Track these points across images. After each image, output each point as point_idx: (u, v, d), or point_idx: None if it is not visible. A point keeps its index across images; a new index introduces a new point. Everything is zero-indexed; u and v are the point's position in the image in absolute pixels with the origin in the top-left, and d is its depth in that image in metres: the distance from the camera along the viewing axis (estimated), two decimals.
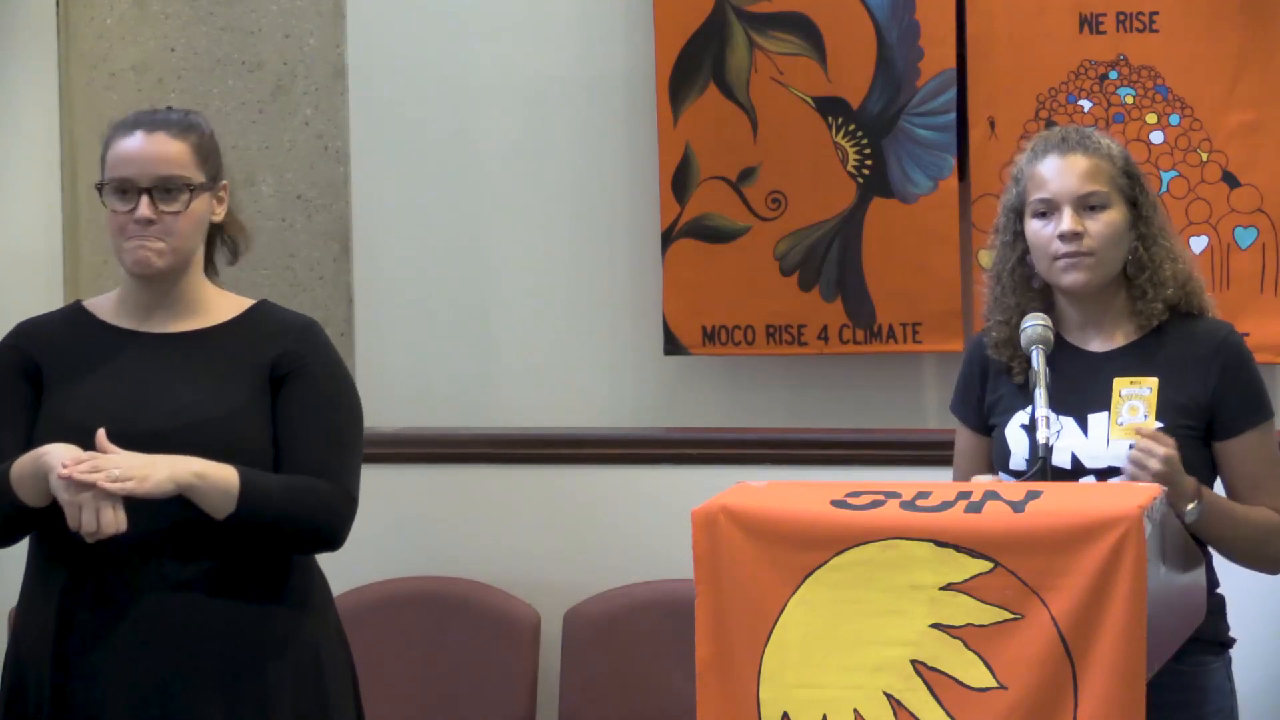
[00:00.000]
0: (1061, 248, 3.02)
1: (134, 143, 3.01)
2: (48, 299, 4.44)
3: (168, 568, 2.94)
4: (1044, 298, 3.11)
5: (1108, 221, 3.03)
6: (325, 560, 3.15)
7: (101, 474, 2.83)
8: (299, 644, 3.02)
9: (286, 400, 3.01)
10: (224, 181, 3.11)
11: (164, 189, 2.99)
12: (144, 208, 2.97)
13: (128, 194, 2.99)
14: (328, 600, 3.15)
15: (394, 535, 4.43)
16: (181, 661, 2.93)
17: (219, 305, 3.09)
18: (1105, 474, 2.97)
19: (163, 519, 2.92)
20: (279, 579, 3.02)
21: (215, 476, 2.90)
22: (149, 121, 3.05)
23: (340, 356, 3.15)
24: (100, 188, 3.04)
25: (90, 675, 2.93)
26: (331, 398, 3.06)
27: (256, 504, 2.92)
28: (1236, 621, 3.11)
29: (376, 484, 4.47)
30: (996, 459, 3.12)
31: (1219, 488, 3.08)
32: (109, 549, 2.92)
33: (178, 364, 3.00)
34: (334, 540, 3.05)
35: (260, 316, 3.10)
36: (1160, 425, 2.99)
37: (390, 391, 4.96)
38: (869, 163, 4.75)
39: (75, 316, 3.10)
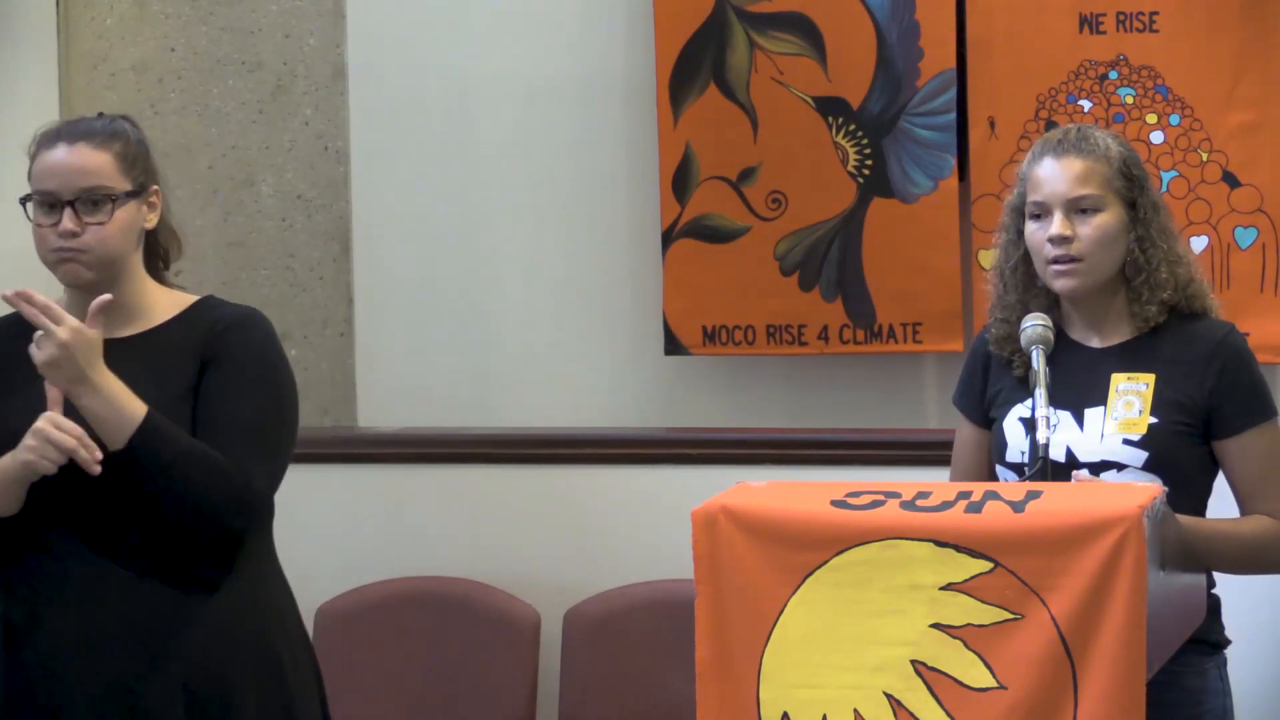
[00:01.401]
0: (1052, 251, 3.04)
1: (56, 155, 3.00)
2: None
3: (126, 570, 2.93)
4: (1047, 296, 3.12)
5: (1098, 225, 3.04)
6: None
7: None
8: (262, 651, 3.01)
9: (203, 386, 2.98)
10: (154, 187, 3.07)
11: (87, 200, 2.97)
12: (67, 220, 2.96)
13: (52, 207, 2.99)
14: (290, 605, 3.13)
15: (394, 535, 4.43)
16: (141, 664, 2.92)
17: (161, 306, 3.07)
18: (1099, 468, 2.99)
19: (120, 521, 2.92)
20: (241, 587, 3.01)
21: (120, 403, 2.86)
22: (70, 132, 3.03)
23: (276, 347, 3.08)
24: (25, 201, 3.03)
25: (50, 678, 2.92)
26: (244, 383, 3.00)
27: (152, 446, 2.86)
28: (1232, 622, 3.12)
29: (376, 484, 4.49)
30: (994, 451, 3.14)
31: (1218, 490, 3.09)
32: (65, 555, 2.91)
33: (118, 370, 2.96)
34: (216, 518, 2.93)
35: (198, 313, 3.07)
36: (1154, 420, 3.00)
37: (390, 391, 4.96)
38: (869, 163, 4.75)
39: (18, 325, 3.08)
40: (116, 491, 2.90)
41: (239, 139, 4.84)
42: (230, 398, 2.98)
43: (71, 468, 2.88)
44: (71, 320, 2.86)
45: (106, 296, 2.92)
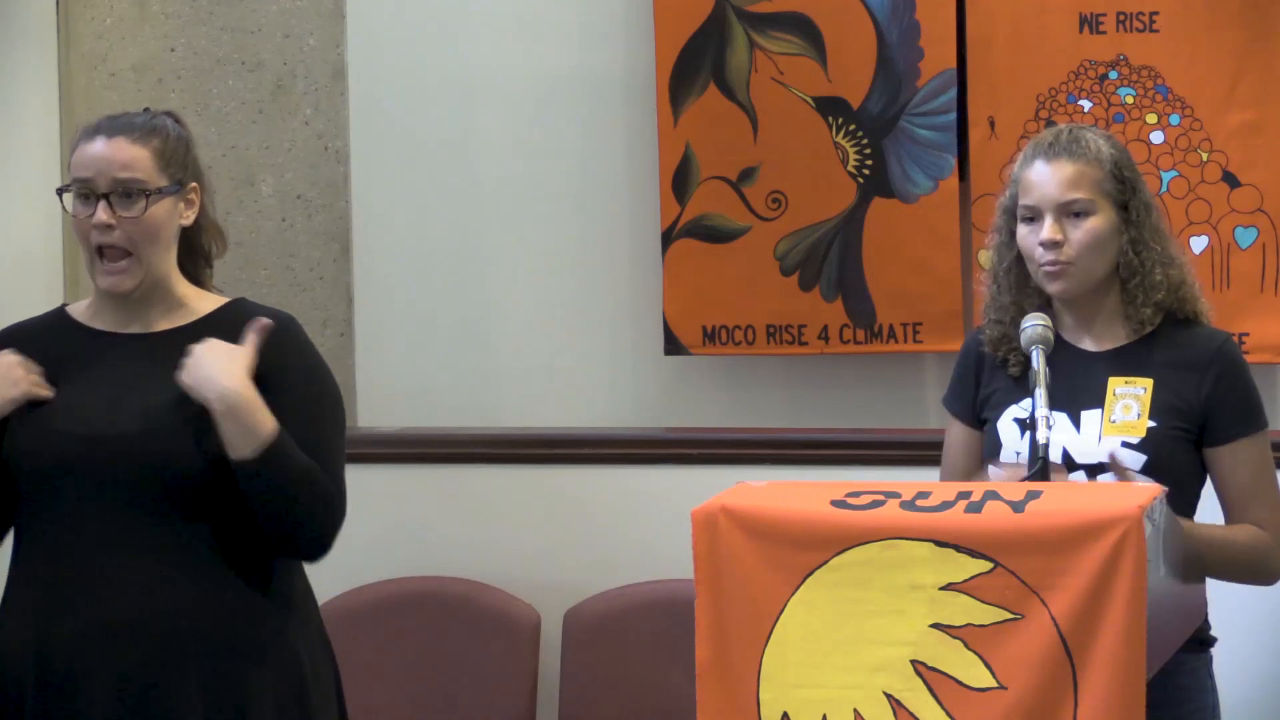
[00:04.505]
0: (1043, 255, 3.04)
1: (94, 147, 3.00)
2: (48, 299, 4.44)
3: (150, 569, 2.93)
4: (1040, 297, 3.12)
5: (1089, 229, 3.04)
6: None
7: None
8: (281, 649, 3.01)
9: (273, 409, 2.98)
10: (193, 185, 3.08)
11: (122, 193, 2.98)
12: (100, 212, 2.97)
13: (88, 198, 3.00)
14: (311, 605, 3.13)
15: (394, 535, 4.43)
16: (163, 664, 2.92)
17: (193, 304, 3.08)
18: (1095, 470, 2.99)
19: (145, 520, 2.93)
20: (263, 584, 3.01)
21: (262, 412, 2.90)
22: (110, 126, 3.03)
23: (317, 353, 3.11)
24: (62, 191, 3.04)
25: (72, 676, 2.93)
26: (313, 403, 3.03)
27: (279, 461, 2.90)
28: (1219, 620, 3.12)
29: (376, 484, 4.48)
30: (987, 452, 3.13)
31: (1206, 496, 3.09)
32: (89, 551, 2.93)
33: (153, 365, 2.99)
34: (324, 538, 3.03)
35: (234, 313, 3.07)
36: (1153, 424, 3.00)
37: (390, 391, 4.96)
38: (869, 163, 4.75)
39: (57, 321, 3.10)
40: (164, 490, 2.93)
41: (239, 139, 4.84)
42: (305, 421, 3.00)
43: (117, 463, 2.91)
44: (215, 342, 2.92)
45: (267, 321, 2.96)
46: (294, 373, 3.03)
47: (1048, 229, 3.03)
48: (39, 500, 2.97)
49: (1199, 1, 4.59)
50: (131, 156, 3.00)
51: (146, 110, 3.14)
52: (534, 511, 4.39)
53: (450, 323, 5.01)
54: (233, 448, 2.90)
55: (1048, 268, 3.04)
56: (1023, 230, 3.08)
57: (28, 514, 2.99)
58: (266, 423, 2.91)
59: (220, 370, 2.90)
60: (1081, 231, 3.03)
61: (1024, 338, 3.04)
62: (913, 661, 2.59)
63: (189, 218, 3.08)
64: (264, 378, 2.99)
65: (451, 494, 4.45)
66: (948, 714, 2.57)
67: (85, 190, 3.00)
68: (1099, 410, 3.03)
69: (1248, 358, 3.19)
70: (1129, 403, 3.02)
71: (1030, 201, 3.06)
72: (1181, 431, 3.02)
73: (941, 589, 2.57)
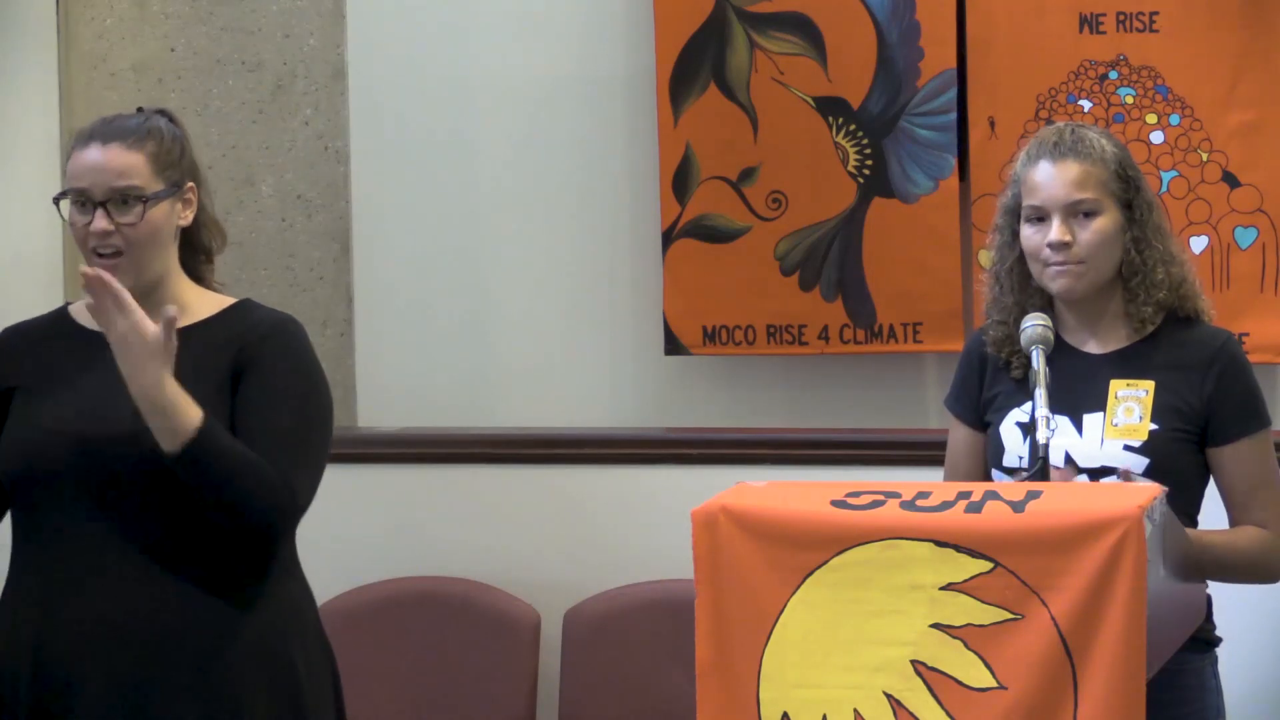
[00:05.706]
0: (1052, 256, 3.03)
1: (89, 155, 3.00)
2: (48, 300, 4.45)
3: (143, 569, 2.93)
4: (1042, 297, 3.12)
5: (1097, 229, 3.04)
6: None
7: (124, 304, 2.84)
8: (275, 650, 3.01)
9: (239, 395, 2.99)
10: (189, 184, 3.07)
11: (119, 201, 2.98)
12: (99, 221, 2.97)
13: (85, 206, 3.00)
14: (308, 607, 3.12)
15: (394, 535, 4.43)
16: (157, 664, 2.92)
17: (198, 305, 3.08)
18: (1098, 474, 2.98)
19: (139, 520, 2.93)
20: (256, 586, 3.01)
21: (176, 409, 2.86)
22: (104, 132, 3.03)
23: (312, 356, 3.09)
24: (59, 199, 3.04)
25: (67, 675, 2.93)
26: (283, 393, 3.01)
27: (207, 455, 2.87)
28: (1223, 620, 3.11)
29: (377, 484, 4.49)
30: (990, 455, 3.13)
31: (1210, 496, 3.09)
32: (84, 552, 2.93)
33: None
34: (267, 526, 2.96)
35: (236, 315, 3.07)
36: (1154, 427, 2.99)
37: (390, 391, 4.96)
38: (869, 163, 4.75)
39: (57, 322, 3.11)
40: (158, 491, 2.92)
41: (239, 139, 4.84)
42: (268, 407, 2.98)
43: (110, 464, 2.91)
44: (135, 316, 2.85)
45: (173, 310, 2.90)
46: (272, 362, 3.01)
47: (1056, 230, 3.02)
48: (33, 501, 2.98)
49: (1199, 1, 4.59)
50: (127, 163, 2.99)
51: (140, 110, 3.13)
52: (534, 511, 4.39)
53: (450, 323, 5.01)
54: (161, 441, 2.87)
55: (1056, 268, 3.04)
56: (1027, 231, 3.07)
57: (22, 514, 3.00)
58: (190, 418, 2.87)
59: (139, 368, 2.86)
60: (1089, 232, 3.03)
61: (1024, 338, 3.04)
62: (913, 661, 2.59)
63: (187, 218, 3.08)
64: (243, 366, 2.99)
65: (451, 494, 4.45)
66: (948, 714, 2.57)
67: (82, 199, 3.00)
68: (1101, 414, 3.02)
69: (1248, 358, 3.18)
70: (1131, 405, 3.02)
71: (1036, 202, 3.05)
72: (1183, 434, 3.02)
73: (941, 589, 2.57)
